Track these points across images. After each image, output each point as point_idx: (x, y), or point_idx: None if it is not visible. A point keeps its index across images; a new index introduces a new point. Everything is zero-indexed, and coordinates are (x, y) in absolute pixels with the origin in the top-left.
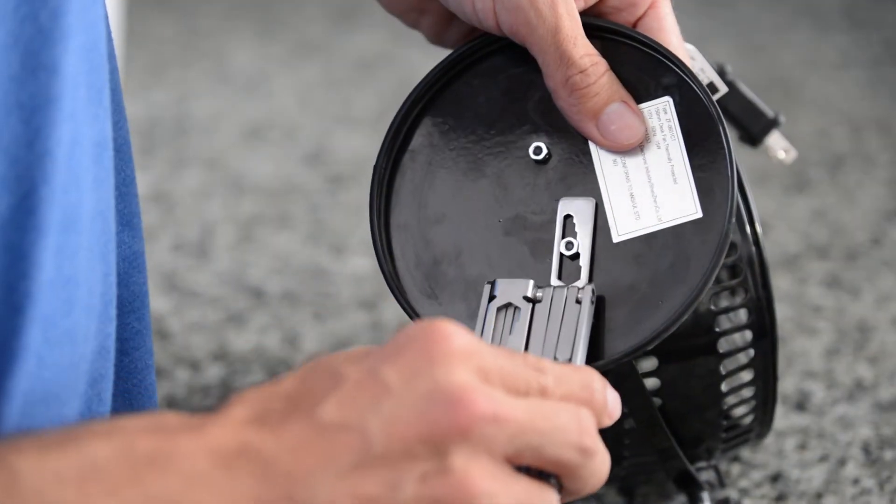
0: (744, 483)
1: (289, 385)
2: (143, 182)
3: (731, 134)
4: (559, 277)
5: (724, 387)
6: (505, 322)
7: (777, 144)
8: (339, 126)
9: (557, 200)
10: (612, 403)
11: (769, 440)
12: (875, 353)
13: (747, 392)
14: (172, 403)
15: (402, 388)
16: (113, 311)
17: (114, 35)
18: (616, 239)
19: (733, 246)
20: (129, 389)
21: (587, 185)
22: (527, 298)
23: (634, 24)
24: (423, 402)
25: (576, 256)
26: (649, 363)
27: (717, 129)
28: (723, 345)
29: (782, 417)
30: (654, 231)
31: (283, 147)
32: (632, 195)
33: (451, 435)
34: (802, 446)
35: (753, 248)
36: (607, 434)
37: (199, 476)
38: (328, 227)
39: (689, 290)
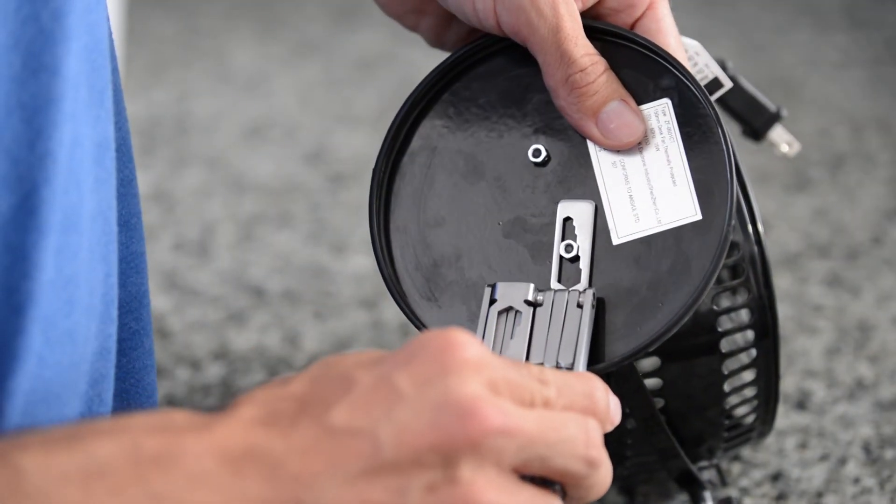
0: (744, 482)
1: (298, 387)
2: (144, 181)
3: (732, 131)
4: (559, 280)
5: (726, 386)
6: (506, 326)
7: (780, 138)
8: (340, 125)
9: (557, 203)
10: (613, 410)
11: (770, 439)
12: (876, 353)
13: (749, 391)
14: (173, 402)
15: (414, 396)
16: (114, 312)
17: (114, 34)
18: (616, 241)
19: (734, 245)
20: (127, 390)
21: (586, 187)
22: (528, 302)
23: (633, 25)
24: (434, 412)
25: (575, 259)
26: (651, 363)
27: (716, 131)
28: (725, 344)
29: (783, 416)
30: (654, 233)
31: (284, 146)
32: (631, 197)
33: (461, 446)
34: (803, 445)
35: (756, 248)
36: (610, 434)
37: (205, 476)
38: (329, 226)
39: (689, 293)
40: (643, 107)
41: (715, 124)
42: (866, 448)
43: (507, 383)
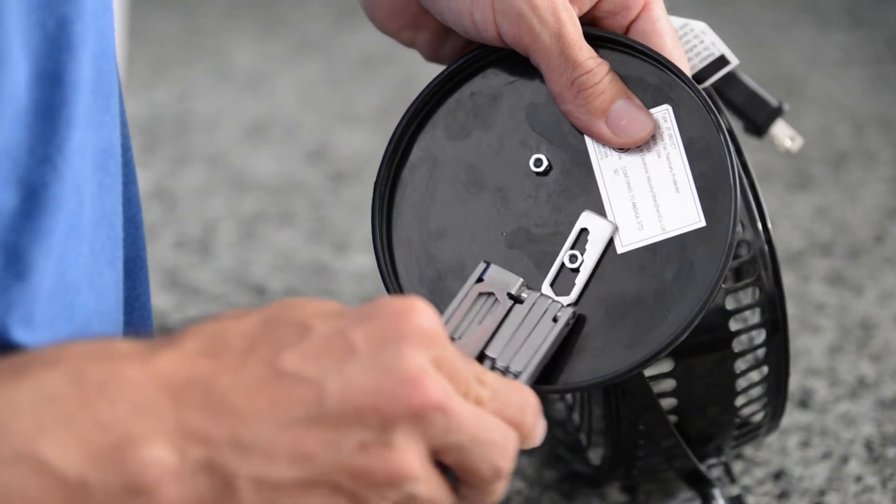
0: (747, 480)
1: (251, 325)
2: (145, 179)
3: (734, 128)
4: (552, 285)
5: (737, 385)
6: (481, 309)
7: (782, 133)
8: (341, 123)
9: (560, 212)
10: (539, 431)
11: (772, 438)
12: (878, 351)
13: (759, 389)
14: None
15: (366, 355)
16: (120, 316)
17: (116, 33)
18: (620, 250)
19: (739, 247)
20: None
21: (589, 195)
22: (510, 295)
23: (628, 27)
24: (383, 375)
25: (576, 272)
26: (665, 365)
27: (718, 136)
28: (737, 344)
29: (785, 415)
30: (658, 241)
31: (285, 144)
32: (634, 205)
33: (401, 414)
34: (805, 444)
35: (766, 247)
36: (622, 435)
37: (147, 404)
38: (330, 224)
39: (695, 301)
40: None
41: (717, 129)
42: (868, 446)
43: (450, 367)
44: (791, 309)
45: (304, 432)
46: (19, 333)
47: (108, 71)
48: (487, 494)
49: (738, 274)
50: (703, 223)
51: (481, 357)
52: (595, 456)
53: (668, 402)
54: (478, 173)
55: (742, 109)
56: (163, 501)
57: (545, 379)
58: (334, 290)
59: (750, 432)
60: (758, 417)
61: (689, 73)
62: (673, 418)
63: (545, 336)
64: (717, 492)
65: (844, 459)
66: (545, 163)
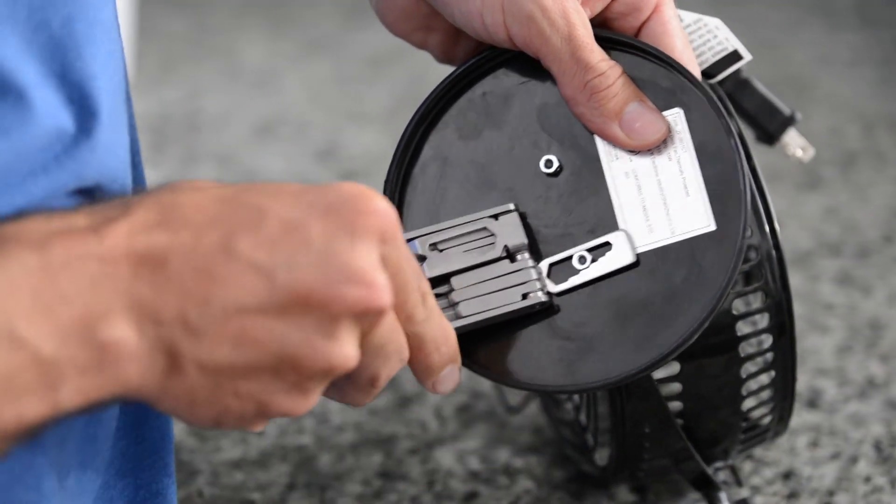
0: (756, 481)
1: (208, 201)
2: (155, 179)
3: (746, 135)
4: (550, 269)
5: (744, 389)
6: (475, 241)
7: (794, 142)
8: (351, 122)
9: (570, 213)
10: (446, 374)
11: (781, 438)
12: (887, 351)
13: (767, 392)
14: None
15: (320, 250)
16: None
17: (125, 32)
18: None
19: (748, 249)
20: None
21: (599, 197)
22: (506, 248)
23: (639, 29)
24: (334, 272)
25: (575, 272)
26: (670, 368)
27: (728, 140)
28: (744, 348)
29: (794, 415)
30: (668, 244)
31: (295, 143)
32: (644, 208)
33: (347, 311)
34: (814, 444)
35: (773, 251)
36: (628, 437)
37: (104, 279)
38: None
39: (705, 304)
40: None
41: (728, 133)
42: (877, 446)
43: (396, 267)
44: (799, 309)
45: (250, 319)
46: None
47: (118, 69)
48: (355, 393)
49: (748, 278)
50: (713, 227)
51: (444, 279)
52: (601, 457)
53: (674, 406)
54: (488, 173)
55: (754, 117)
56: (127, 377)
57: (552, 379)
58: None
59: (757, 436)
60: (765, 421)
61: (699, 74)
62: (679, 421)
63: (505, 303)
64: (723, 495)
65: (853, 460)
66: (556, 164)
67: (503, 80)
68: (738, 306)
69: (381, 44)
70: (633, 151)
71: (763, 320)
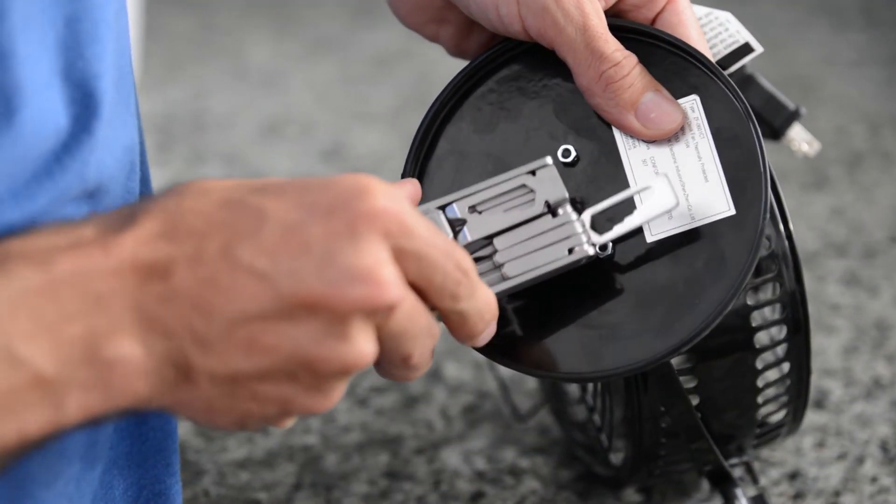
0: (762, 481)
1: (210, 206)
2: (161, 178)
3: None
4: (594, 217)
5: (759, 382)
6: (515, 199)
7: (799, 137)
8: (357, 122)
9: (589, 202)
10: (486, 336)
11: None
12: (893, 351)
13: (781, 387)
14: None
15: (321, 253)
16: None
17: (132, 31)
18: (650, 239)
19: (766, 239)
20: None
21: (617, 186)
22: (547, 203)
23: (654, 19)
24: (337, 274)
25: (620, 220)
26: (685, 360)
27: (746, 125)
28: (758, 340)
29: None
30: (688, 230)
31: (301, 143)
32: None
33: (354, 309)
34: (820, 444)
35: (787, 243)
36: (645, 434)
37: (110, 295)
38: None
39: (726, 288)
40: None
41: (745, 118)
42: (884, 447)
43: (419, 257)
44: None
45: (258, 327)
46: None
47: (128, 71)
48: (404, 373)
49: (758, 270)
50: (732, 211)
51: (488, 240)
52: (616, 457)
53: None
54: (505, 166)
55: (759, 112)
56: (135, 392)
57: (575, 367)
58: None
59: (771, 431)
60: (779, 417)
61: (714, 62)
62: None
63: (551, 260)
64: (739, 491)
65: (860, 460)
66: (573, 154)
67: (518, 73)
68: (751, 300)
69: (387, 43)
70: (651, 140)
71: (776, 314)
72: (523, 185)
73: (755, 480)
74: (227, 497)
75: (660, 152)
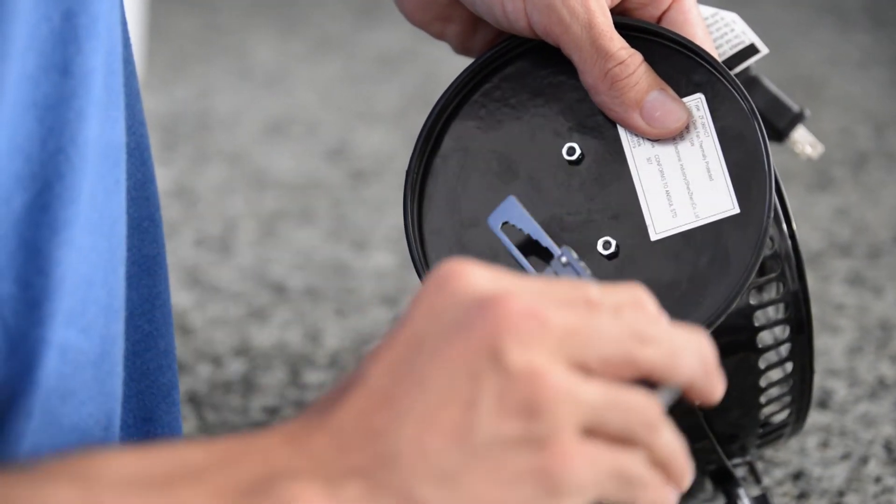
0: (766, 481)
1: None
2: (166, 177)
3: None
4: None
5: (762, 382)
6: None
7: (803, 139)
8: (361, 122)
9: (593, 200)
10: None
11: (791, 438)
12: None
13: (784, 387)
14: (194, 399)
15: (434, 342)
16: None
17: (136, 31)
18: (654, 237)
19: (769, 239)
20: (143, 391)
21: (622, 183)
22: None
23: (660, 18)
24: (460, 324)
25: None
26: None
27: (751, 124)
28: (762, 340)
29: None
30: (692, 228)
31: (305, 143)
32: (668, 193)
33: (493, 332)
34: (824, 444)
35: (790, 242)
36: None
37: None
38: (350, 222)
39: (730, 286)
40: None
41: (750, 117)
42: (888, 447)
43: (535, 290)
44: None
45: (432, 418)
46: (41, 330)
47: (116, 69)
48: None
49: (762, 270)
50: (736, 210)
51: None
52: None
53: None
54: (510, 162)
55: (763, 114)
56: None
57: None
58: (354, 289)
59: (774, 431)
60: (782, 417)
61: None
62: None
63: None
64: (742, 491)
65: (864, 460)
66: (578, 151)
67: (523, 70)
68: (754, 299)
69: (391, 43)
70: (655, 138)
71: (776, 313)
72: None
73: (758, 480)
74: None
75: (665, 150)
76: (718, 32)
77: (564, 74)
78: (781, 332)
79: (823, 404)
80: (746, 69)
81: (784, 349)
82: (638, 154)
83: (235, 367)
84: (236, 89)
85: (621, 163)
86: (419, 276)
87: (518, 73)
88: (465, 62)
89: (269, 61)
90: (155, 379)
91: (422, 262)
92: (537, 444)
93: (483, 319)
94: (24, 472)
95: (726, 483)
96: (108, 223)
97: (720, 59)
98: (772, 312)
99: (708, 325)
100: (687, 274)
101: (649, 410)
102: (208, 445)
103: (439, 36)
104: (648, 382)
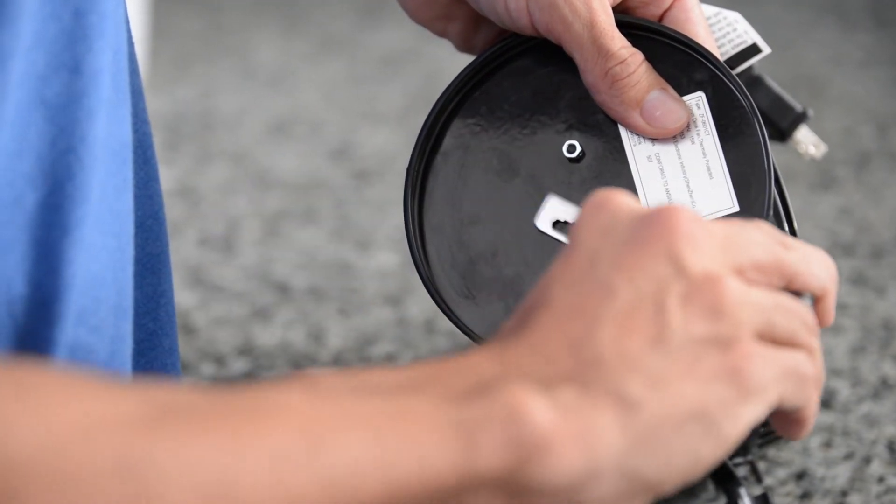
0: (769, 481)
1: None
2: (169, 177)
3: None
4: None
5: None
6: None
7: (806, 139)
8: (365, 122)
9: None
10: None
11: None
12: None
13: None
14: None
15: (612, 254)
16: (130, 314)
17: (139, 30)
18: None
19: None
20: None
21: (622, 181)
22: None
23: (661, 16)
24: (635, 235)
25: None
26: None
27: (751, 122)
28: None
29: None
30: None
31: (309, 142)
32: (668, 191)
33: (669, 240)
34: (827, 444)
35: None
36: None
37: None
38: (353, 222)
39: None
40: None
41: (750, 116)
42: (891, 447)
43: (727, 251)
44: None
45: (627, 324)
46: (51, 330)
47: (123, 67)
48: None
49: None
50: (736, 208)
51: None
52: None
53: None
54: (510, 160)
55: (766, 114)
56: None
57: None
58: (358, 288)
59: (774, 431)
60: None
61: (721, 60)
62: None
63: None
64: (742, 490)
65: (867, 460)
66: (578, 149)
67: (525, 68)
68: None
69: (395, 43)
70: (655, 138)
71: None
72: None
73: (759, 479)
74: None
75: (665, 149)
76: (721, 32)
77: (565, 72)
78: None
79: (826, 404)
80: (749, 68)
81: None
82: (638, 152)
83: (239, 367)
84: (240, 89)
85: (622, 161)
86: (419, 273)
87: (519, 71)
88: (467, 61)
89: (272, 61)
90: (159, 378)
91: (422, 259)
92: (724, 344)
93: (660, 228)
94: (252, 385)
95: (727, 482)
96: (117, 222)
97: (722, 59)
98: None
99: None
100: None
101: (807, 313)
102: (416, 366)
103: (442, 34)
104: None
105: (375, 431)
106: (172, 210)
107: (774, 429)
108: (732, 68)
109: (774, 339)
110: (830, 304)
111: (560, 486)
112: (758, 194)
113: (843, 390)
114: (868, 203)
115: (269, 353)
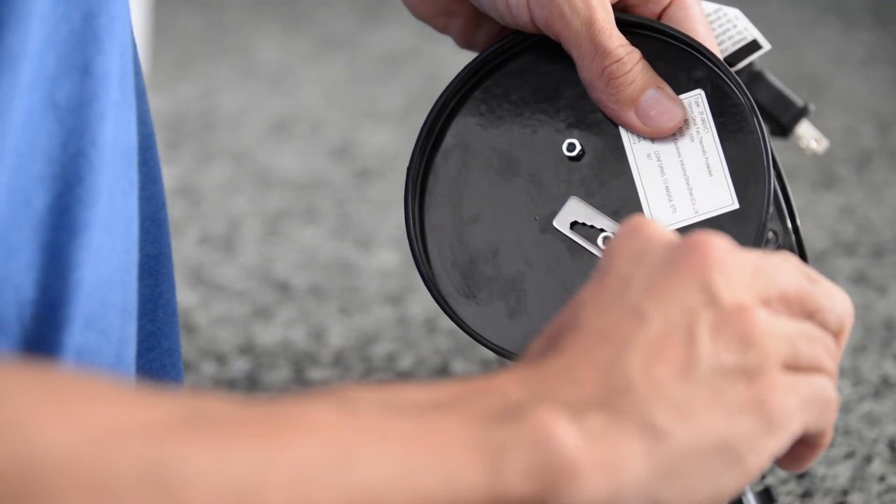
0: (769, 479)
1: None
2: (170, 176)
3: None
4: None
5: None
6: None
7: (808, 134)
8: (366, 121)
9: (593, 196)
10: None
11: None
12: None
13: None
14: None
15: (644, 280)
16: (134, 315)
17: (141, 30)
18: None
19: (769, 230)
20: None
21: (622, 179)
22: None
23: (661, 14)
24: (668, 262)
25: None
26: None
27: (750, 120)
28: None
29: None
30: (692, 224)
31: (310, 141)
32: (667, 188)
33: (702, 269)
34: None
35: (794, 237)
36: None
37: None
38: (354, 221)
39: None
40: None
41: (749, 113)
42: (892, 446)
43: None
44: None
45: (658, 351)
46: (59, 334)
47: (128, 70)
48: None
49: None
50: (736, 205)
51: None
52: None
53: None
54: (511, 159)
55: (768, 109)
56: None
57: None
58: (358, 287)
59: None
60: None
61: (721, 57)
62: None
63: None
64: (746, 486)
65: (868, 459)
66: (578, 148)
67: (525, 66)
68: None
69: (395, 42)
70: (651, 137)
71: None
72: None
73: (762, 476)
74: None
75: (665, 147)
76: (721, 28)
77: (565, 71)
78: None
79: None
80: (750, 64)
81: None
82: (638, 150)
83: (240, 366)
84: (241, 88)
85: (621, 159)
86: (420, 272)
87: (519, 70)
88: (467, 60)
89: (273, 60)
90: (158, 379)
91: (422, 257)
92: (751, 375)
93: (693, 257)
94: (282, 397)
95: None
96: (123, 224)
97: (722, 56)
98: None
99: None
100: None
101: (829, 339)
102: (445, 385)
103: (443, 30)
104: None
105: (403, 448)
106: (173, 209)
107: (780, 466)
108: (733, 65)
109: (799, 366)
110: (844, 342)
111: None
112: (757, 192)
113: (844, 389)
114: (869, 202)
115: (270, 353)
